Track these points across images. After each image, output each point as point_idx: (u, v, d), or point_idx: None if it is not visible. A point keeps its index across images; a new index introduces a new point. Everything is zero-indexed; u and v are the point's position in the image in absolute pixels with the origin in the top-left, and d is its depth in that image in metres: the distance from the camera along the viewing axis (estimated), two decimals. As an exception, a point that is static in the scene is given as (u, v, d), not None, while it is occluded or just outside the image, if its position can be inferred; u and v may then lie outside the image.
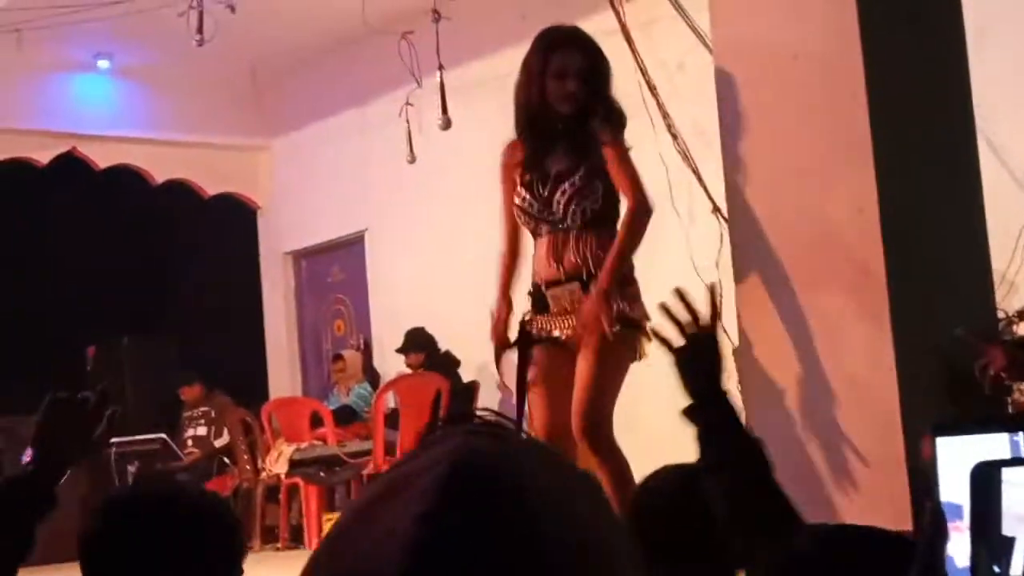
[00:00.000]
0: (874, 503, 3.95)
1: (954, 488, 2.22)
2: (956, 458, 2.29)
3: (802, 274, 4.27)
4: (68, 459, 2.08)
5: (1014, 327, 6.45)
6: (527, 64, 4.26)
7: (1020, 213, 6.49)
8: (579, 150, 4.19)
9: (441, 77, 7.23)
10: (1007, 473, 1.27)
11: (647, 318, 4.07)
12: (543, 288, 4.24)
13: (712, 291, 2.45)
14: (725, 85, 4.55)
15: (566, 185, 4.16)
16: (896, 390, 3.95)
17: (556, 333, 4.19)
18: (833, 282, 4.20)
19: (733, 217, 4.63)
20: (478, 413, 0.86)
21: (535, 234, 4.29)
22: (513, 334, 4.27)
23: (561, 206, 4.16)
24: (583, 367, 4.09)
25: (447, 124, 7.21)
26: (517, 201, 4.25)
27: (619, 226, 4.20)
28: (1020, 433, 2.52)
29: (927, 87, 4.23)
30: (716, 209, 6.94)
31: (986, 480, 1.32)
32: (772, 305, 4.35)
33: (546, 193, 4.18)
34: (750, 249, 4.45)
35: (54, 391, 2.16)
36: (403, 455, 0.83)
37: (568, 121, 4.19)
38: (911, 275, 4.06)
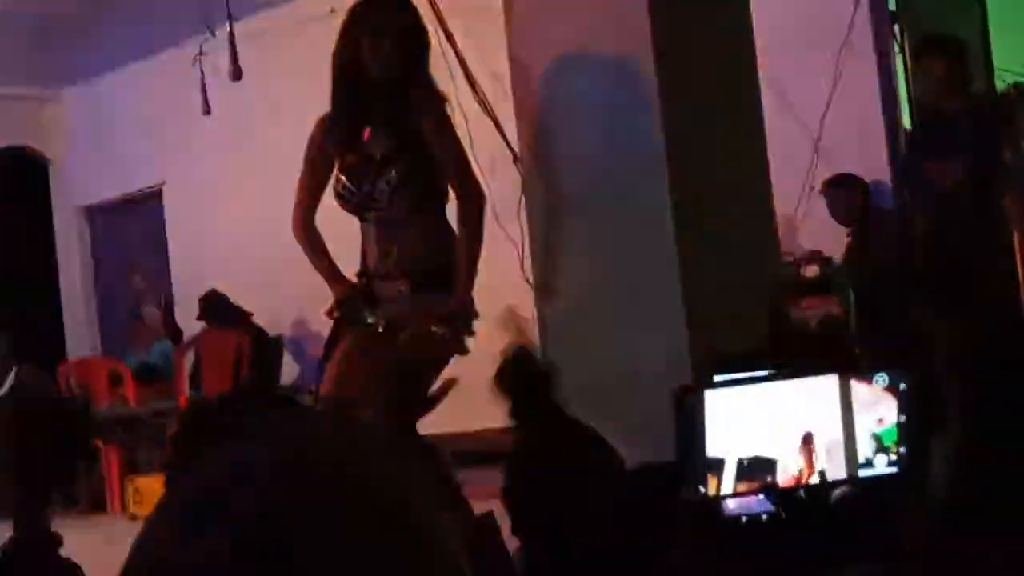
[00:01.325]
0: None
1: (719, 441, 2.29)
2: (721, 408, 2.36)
3: (593, 221, 4.33)
4: None
5: (801, 269, 6.70)
6: (343, 23, 3.99)
7: (805, 157, 6.72)
8: (400, 128, 3.90)
9: (231, 27, 7.06)
10: (711, 396, 1.32)
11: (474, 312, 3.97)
12: (370, 278, 4.02)
13: (513, 316, 2.52)
14: (518, 29, 4.56)
15: (392, 172, 3.88)
16: (685, 330, 4.05)
17: (371, 320, 3.97)
18: (624, 228, 4.27)
19: (527, 165, 4.66)
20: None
21: (360, 218, 4.02)
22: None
23: (386, 195, 3.88)
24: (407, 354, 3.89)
25: (238, 74, 7.05)
26: (338, 188, 3.97)
27: (459, 223, 3.99)
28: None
29: (711, 31, 4.32)
30: (517, 159, 6.97)
31: (687, 403, 1.38)
32: (564, 256, 4.41)
33: (370, 180, 3.90)
34: (542, 196, 4.50)
35: None
36: (208, 456, 0.79)
37: (386, 90, 3.90)
38: (698, 220, 4.16)
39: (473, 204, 4.00)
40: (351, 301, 4.00)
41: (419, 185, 3.91)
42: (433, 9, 7.11)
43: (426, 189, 3.93)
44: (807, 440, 2.30)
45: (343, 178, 3.96)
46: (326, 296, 8.55)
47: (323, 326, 8.97)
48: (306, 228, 4.15)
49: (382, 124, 3.93)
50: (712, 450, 1.99)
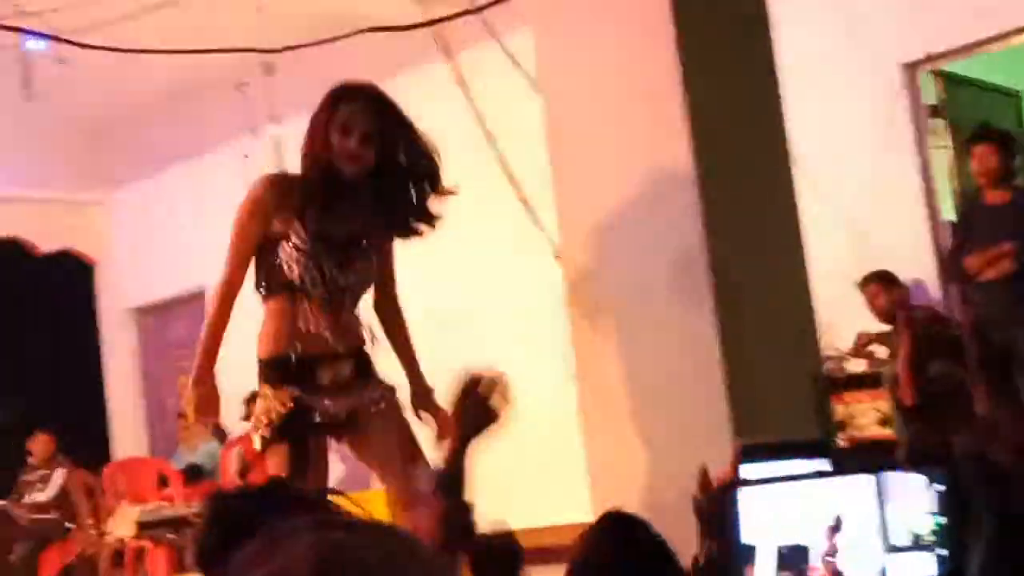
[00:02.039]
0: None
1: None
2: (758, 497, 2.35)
3: (633, 318, 4.33)
4: None
5: (846, 364, 6.65)
6: (313, 117, 3.86)
7: (844, 250, 6.69)
8: (365, 219, 3.83)
9: (276, 130, 7.19)
10: (745, 491, 1.34)
11: None
12: (309, 361, 3.78)
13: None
14: (556, 128, 4.62)
15: (356, 259, 3.83)
16: (727, 423, 4.03)
17: (335, 410, 3.77)
18: (665, 326, 4.27)
19: (566, 257, 4.68)
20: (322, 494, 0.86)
21: (303, 297, 3.80)
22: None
23: (350, 279, 3.80)
24: (401, 439, 3.85)
25: (284, 175, 7.16)
26: (292, 259, 3.77)
27: (396, 316, 4.00)
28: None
29: (747, 129, 4.35)
30: (558, 256, 7.02)
31: (725, 498, 1.41)
32: (606, 348, 4.40)
33: (335, 261, 3.77)
34: (583, 289, 4.51)
35: None
36: (251, 555, 0.79)
37: (355, 183, 3.80)
38: (738, 314, 4.15)
39: (398, 303, 4.05)
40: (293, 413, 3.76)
41: (372, 277, 3.90)
42: (473, 109, 7.23)
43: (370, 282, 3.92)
44: (837, 528, 2.28)
45: (301, 252, 3.76)
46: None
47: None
48: (230, 294, 3.98)
49: (348, 210, 3.80)
50: (747, 538, 1.98)
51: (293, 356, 3.78)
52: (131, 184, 10.20)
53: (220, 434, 9.17)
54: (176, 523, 8.42)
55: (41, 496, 9.09)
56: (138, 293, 10.38)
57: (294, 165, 7.38)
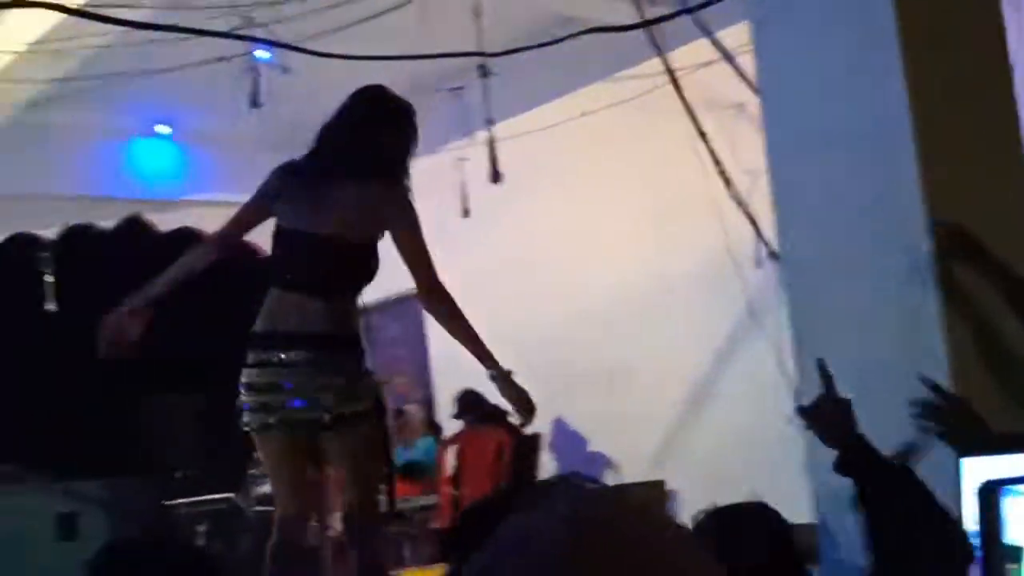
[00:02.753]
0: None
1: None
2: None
3: (857, 317, 4.24)
4: None
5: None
6: (350, 115, 4.11)
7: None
8: (369, 213, 4.10)
9: (491, 131, 7.29)
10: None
11: None
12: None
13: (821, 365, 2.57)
14: (774, 126, 4.55)
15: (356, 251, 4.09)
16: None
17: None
18: (889, 327, 4.17)
19: (785, 260, 4.61)
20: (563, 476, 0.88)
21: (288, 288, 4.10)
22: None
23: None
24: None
25: (498, 177, 7.25)
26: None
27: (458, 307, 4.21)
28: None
29: (974, 114, 4.21)
30: (773, 254, 6.92)
31: (989, 497, 1.38)
32: (824, 350, 4.32)
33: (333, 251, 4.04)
34: (804, 292, 4.44)
35: None
36: (508, 517, 0.82)
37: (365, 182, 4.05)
38: (965, 316, 4.03)
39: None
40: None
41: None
42: (685, 107, 7.19)
43: None
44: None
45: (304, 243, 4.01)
46: (583, 393, 8.56)
47: (582, 421, 9.06)
48: (217, 242, 4.26)
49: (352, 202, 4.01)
50: (1011, 537, 1.92)
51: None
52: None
53: (435, 431, 9.36)
54: (394, 518, 8.63)
55: (268, 489, 9.42)
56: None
57: (508, 166, 7.51)
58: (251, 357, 3.99)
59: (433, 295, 4.17)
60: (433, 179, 9.29)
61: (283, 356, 3.96)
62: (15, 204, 9.32)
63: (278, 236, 4.05)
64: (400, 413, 9.50)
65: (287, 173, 4.13)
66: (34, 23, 6.69)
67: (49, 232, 9.27)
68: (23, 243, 9.29)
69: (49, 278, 8.72)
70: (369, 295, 11.31)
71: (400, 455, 9.22)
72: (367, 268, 4.13)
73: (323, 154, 4.07)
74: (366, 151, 4.02)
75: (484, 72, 6.92)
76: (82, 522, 12.25)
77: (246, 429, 3.99)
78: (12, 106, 7.53)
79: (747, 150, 6.65)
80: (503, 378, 4.05)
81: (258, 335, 4.00)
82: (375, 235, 4.11)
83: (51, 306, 8.61)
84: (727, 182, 7.31)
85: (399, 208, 4.14)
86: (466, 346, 4.15)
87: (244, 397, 3.97)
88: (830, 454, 3.67)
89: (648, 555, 0.78)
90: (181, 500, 9.30)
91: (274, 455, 4.02)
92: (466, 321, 4.14)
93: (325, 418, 3.91)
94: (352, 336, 4.06)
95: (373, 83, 4.14)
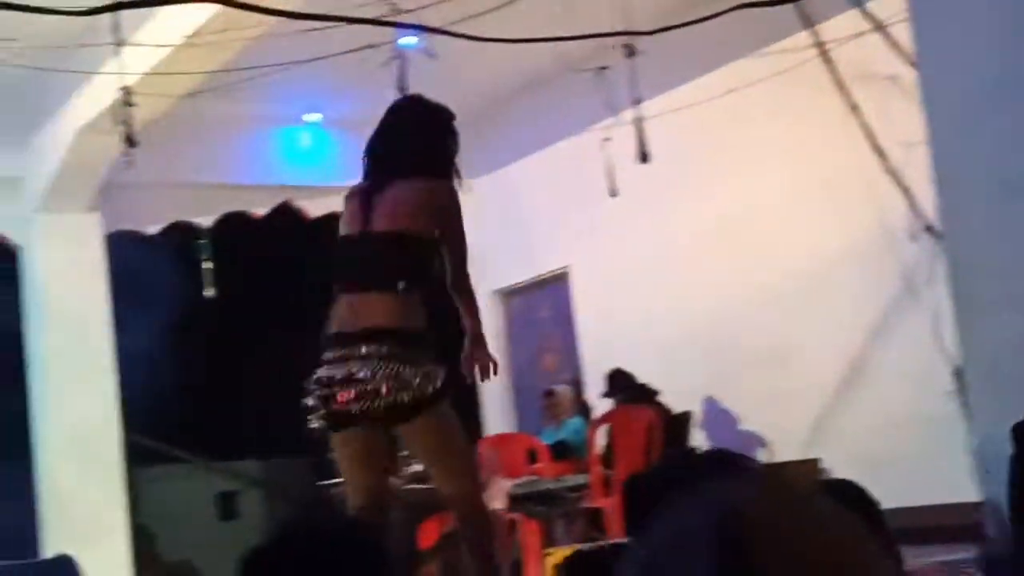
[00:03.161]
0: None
1: None
2: None
3: (1020, 297, 4.12)
4: None
5: None
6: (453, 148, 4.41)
7: None
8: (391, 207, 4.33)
9: (638, 110, 7.25)
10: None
11: None
12: None
13: None
14: (933, 99, 4.44)
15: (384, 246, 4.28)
16: None
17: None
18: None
19: (947, 233, 4.51)
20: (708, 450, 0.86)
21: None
22: None
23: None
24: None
25: (645, 157, 7.20)
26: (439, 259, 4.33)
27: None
28: None
29: None
30: (928, 227, 6.76)
31: None
32: (991, 324, 4.22)
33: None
34: (967, 265, 4.33)
35: None
36: (663, 512, 0.83)
37: None
38: None
39: None
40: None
41: None
42: (836, 80, 7.06)
43: None
44: None
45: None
46: (738, 372, 8.48)
47: (737, 399, 8.99)
48: None
49: None
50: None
51: None
52: (494, 171, 10.56)
53: (584, 410, 9.38)
54: (546, 497, 8.68)
55: (419, 468, 9.56)
56: (503, 276, 10.74)
57: (656, 145, 7.46)
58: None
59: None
60: (579, 160, 9.33)
61: (334, 354, 4.10)
62: (173, 193, 9.60)
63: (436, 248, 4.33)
64: (550, 393, 9.54)
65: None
66: (190, 16, 6.87)
67: (206, 220, 9.52)
68: (182, 231, 9.57)
69: (207, 264, 8.96)
70: (514, 277, 11.39)
71: (550, 435, 9.27)
72: (400, 261, 4.19)
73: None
74: (379, 154, 4.39)
75: (631, 52, 6.88)
76: (241, 501, 12.61)
77: (312, 427, 4.08)
78: (169, 98, 7.75)
79: (900, 123, 6.50)
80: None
81: (322, 338, 4.19)
82: (403, 229, 4.19)
83: (210, 292, 8.84)
84: (881, 155, 7.16)
85: (422, 198, 4.27)
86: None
87: (309, 398, 4.10)
88: (994, 431, 3.58)
89: (810, 548, 0.76)
90: (335, 480, 9.48)
91: (336, 450, 4.18)
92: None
93: (375, 407, 3.98)
94: (399, 328, 4.09)
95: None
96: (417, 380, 4.00)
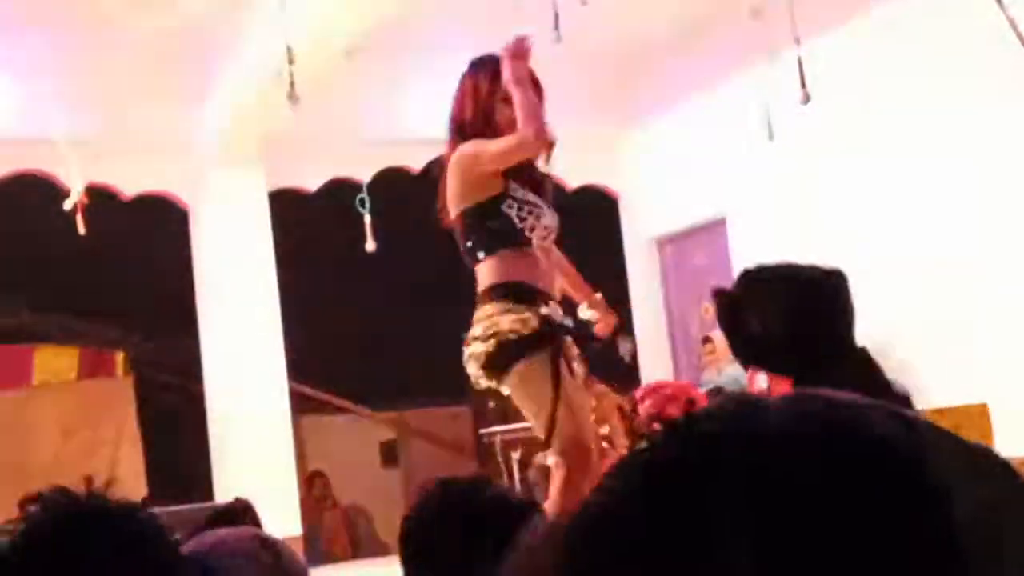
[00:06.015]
0: None
1: None
2: None
3: None
4: None
5: None
6: (476, 86, 4.38)
7: None
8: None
9: (798, 51, 7.12)
10: None
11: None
12: (545, 296, 4.38)
13: None
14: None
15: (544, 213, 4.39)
16: None
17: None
18: None
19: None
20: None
21: (526, 245, 4.32)
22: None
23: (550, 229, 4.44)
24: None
25: (807, 99, 7.06)
26: (516, 214, 4.30)
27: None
28: None
29: None
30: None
31: None
32: None
33: (535, 215, 4.35)
34: None
35: None
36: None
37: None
38: None
39: None
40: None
41: None
42: (1006, 16, 6.81)
43: None
44: None
45: (526, 216, 4.34)
46: (908, 320, 8.22)
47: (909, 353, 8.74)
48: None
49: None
50: None
51: (538, 286, 4.25)
52: (650, 118, 10.50)
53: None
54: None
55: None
56: (659, 223, 10.70)
57: (817, 87, 7.32)
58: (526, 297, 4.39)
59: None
60: (736, 105, 9.20)
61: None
62: (334, 149, 9.79)
63: (491, 206, 4.43)
64: (707, 340, 9.52)
65: None
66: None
67: (365, 174, 9.69)
68: (342, 186, 9.76)
69: (367, 218, 9.13)
70: (667, 226, 11.31)
71: (709, 381, 9.25)
72: (462, 235, 4.39)
73: (470, 131, 4.51)
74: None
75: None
76: (402, 449, 12.88)
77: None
78: (329, 56, 7.89)
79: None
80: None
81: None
82: (453, 203, 4.42)
83: (370, 246, 9.02)
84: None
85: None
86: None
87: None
88: None
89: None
90: (495, 428, 9.63)
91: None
92: None
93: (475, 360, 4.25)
94: (481, 291, 4.28)
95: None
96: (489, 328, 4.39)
